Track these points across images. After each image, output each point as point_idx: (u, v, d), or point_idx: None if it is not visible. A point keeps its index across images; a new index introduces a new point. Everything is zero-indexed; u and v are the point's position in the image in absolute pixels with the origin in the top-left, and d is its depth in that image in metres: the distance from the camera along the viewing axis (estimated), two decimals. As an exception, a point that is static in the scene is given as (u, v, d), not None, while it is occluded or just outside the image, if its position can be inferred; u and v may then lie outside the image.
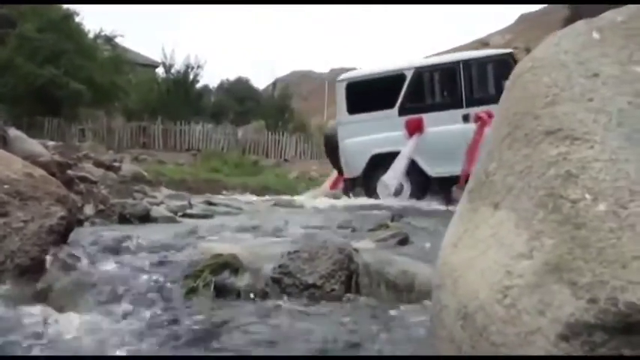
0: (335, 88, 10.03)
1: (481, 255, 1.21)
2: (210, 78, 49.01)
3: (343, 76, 10.33)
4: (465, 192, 1.46)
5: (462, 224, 1.36)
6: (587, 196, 1.11)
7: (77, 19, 23.81)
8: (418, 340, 2.04)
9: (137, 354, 2.04)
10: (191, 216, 5.39)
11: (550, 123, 1.26)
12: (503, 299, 1.11)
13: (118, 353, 2.03)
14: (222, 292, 2.69)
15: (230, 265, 2.82)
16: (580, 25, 1.50)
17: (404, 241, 3.72)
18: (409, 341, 2.08)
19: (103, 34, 25.51)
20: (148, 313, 2.42)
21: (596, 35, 1.41)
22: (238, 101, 34.06)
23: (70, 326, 2.25)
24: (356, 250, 2.99)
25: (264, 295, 2.70)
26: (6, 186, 2.78)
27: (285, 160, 23.46)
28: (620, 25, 1.42)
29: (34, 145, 4.56)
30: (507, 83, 1.48)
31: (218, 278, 2.74)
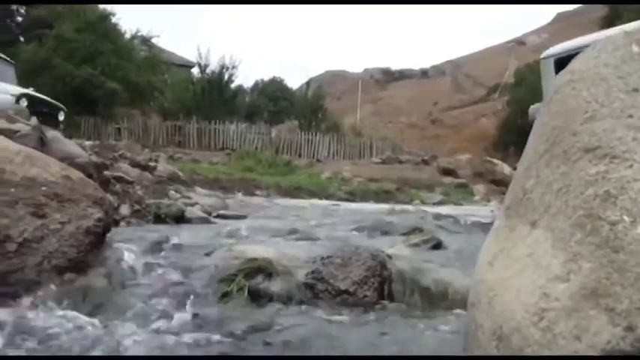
0: (540, 66, 7.99)
1: (517, 275, 1.20)
2: (244, 78, 49.23)
3: (550, 50, 8.12)
4: (502, 209, 1.44)
5: (499, 242, 1.34)
6: (626, 218, 1.09)
7: (114, 20, 24.14)
8: (450, 350, 2.02)
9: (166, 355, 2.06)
10: (225, 217, 5.42)
11: (589, 140, 1.24)
12: (539, 322, 1.09)
13: (147, 354, 2.05)
14: (255, 296, 2.71)
15: (264, 269, 2.83)
16: (618, 37, 1.46)
17: (437, 246, 3.69)
18: (441, 352, 2.06)
19: (139, 34, 25.82)
20: (181, 316, 2.45)
21: (636, 48, 1.38)
22: (272, 101, 34.17)
23: (104, 327, 2.28)
24: (389, 256, 2.98)
25: (297, 301, 2.70)
26: (44, 188, 2.83)
27: (318, 160, 23.44)
28: (662, 37, 1.39)
29: (72, 146, 4.63)
30: (547, 97, 1.46)
31: (252, 283, 2.75)
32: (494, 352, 1.16)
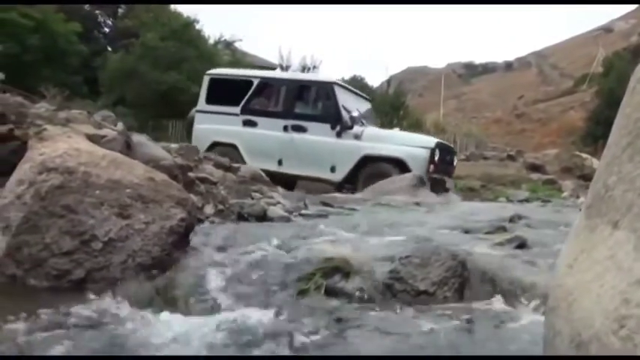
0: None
1: (597, 279, 1.12)
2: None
3: None
4: (582, 207, 1.37)
5: (579, 243, 1.26)
6: None
7: (197, 27, 24.86)
8: (528, 352, 1.95)
9: (239, 355, 2.08)
10: (306, 216, 5.46)
11: (676, 132, 1.15)
12: (619, 330, 1.02)
13: (219, 354, 2.08)
14: (332, 295, 2.71)
15: (341, 268, 2.82)
16: None
17: (522, 246, 3.56)
18: (519, 353, 1.99)
19: (222, 39, 26.48)
20: (259, 312, 2.48)
21: None
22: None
23: (184, 323, 2.33)
24: (471, 256, 2.90)
25: (374, 301, 2.68)
26: (128, 190, 2.93)
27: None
28: None
29: (157, 149, 4.78)
30: (629, 86, 1.37)
31: (329, 282, 2.75)
32: (573, 361, 1.10)
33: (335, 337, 2.24)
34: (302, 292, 2.71)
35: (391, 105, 29.18)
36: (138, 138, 4.59)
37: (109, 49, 26.13)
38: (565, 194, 13.62)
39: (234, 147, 10.80)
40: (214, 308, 2.56)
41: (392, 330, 2.30)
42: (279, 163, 10.66)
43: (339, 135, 10.41)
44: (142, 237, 2.86)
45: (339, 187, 10.38)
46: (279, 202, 6.03)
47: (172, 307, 2.54)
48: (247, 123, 11.08)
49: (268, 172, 9.69)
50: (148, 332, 2.26)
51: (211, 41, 25.84)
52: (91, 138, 3.51)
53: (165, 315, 2.43)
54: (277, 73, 11.68)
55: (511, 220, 5.07)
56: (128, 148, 4.02)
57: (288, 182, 10.21)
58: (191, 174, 5.20)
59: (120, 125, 4.40)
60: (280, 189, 7.95)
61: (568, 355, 1.13)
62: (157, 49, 22.17)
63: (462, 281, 2.72)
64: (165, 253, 2.91)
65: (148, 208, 2.98)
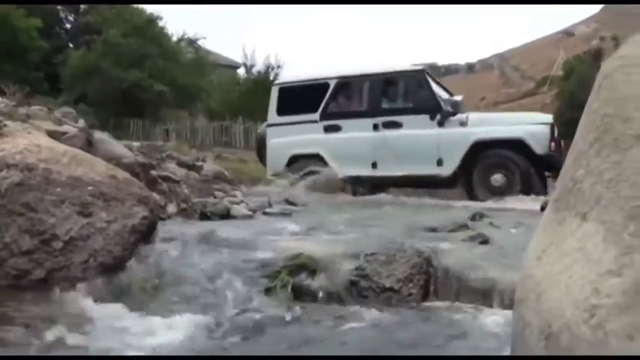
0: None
1: (566, 270, 1.14)
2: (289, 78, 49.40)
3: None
4: (550, 201, 1.38)
5: (547, 236, 1.28)
6: (684, 207, 1.02)
7: (160, 24, 24.61)
8: (496, 349, 1.97)
9: (206, 353, 2.06)
10: (270, 214, 5.43)
11: (642, 126, 1.17)
12: (589, 319, 1.03)
13: (185, 352, 2.06)
14: (299, 293, 2.71)
15: (307, 266, 2.82)
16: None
17: (484, 243, 3.61)
18: (487, 351, 2.01)
19: (186, 37, 26.27)
20: (223, 311, 2.46)
21: (693, 30, 1.31)
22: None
23: (146, 324, 2.30)
24: (436, 253, 2.92)
25: (340, 298, 2.69)
26: (90, 187, 2.87)
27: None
28: None
29: (118, 147, 4.70)
30: (595, 83, 1.39)
31: (295, 279, 2.75)
32: (543, 352, 1.11)
33: (301, 334, 2.24)
34: (268, 290, 2.70)
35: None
36: (99, 135, 4.51)
37: (71, 45, 25.68)
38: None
39: (318, 157, 9.71)
40: (177, 308, 2.52)
41: (357, 327, 2.30)
42: (374, 166, 9.52)
43: (441, 124, 9.23)
44: (104, 236, 2.80)
45: (449, 183, 9.36)
46: (242, 201, 5.99)
47: (135, 307, 2.50)
48: (330, 128, 9.95)
49: (362, 178, 9.28)
50: (110, 332, 2.22)
51: (174, 39, 25.61)
52: (52, 134, 3.43)
53: (127, 315, 2.39)
54: (356, 70, 10.36)
55: (473, 218, 5.11)
56: (89, 146, 3.94)
57: (382, 186, 9.57)
58: (153, 172, 5.13)
59: (81, 122, 4.30)
60: (244, 187, 7.89)
61: (537, 356, 1.13)
62: (120, 45, 21.88)
63: (427, 278, 2.74)
64: (127, 253, 2.85)
65: (110, 206, 2.92)
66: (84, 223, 2.74)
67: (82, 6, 26.49)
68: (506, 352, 1.62)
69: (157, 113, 24.01)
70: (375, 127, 9.60)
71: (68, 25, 27.66)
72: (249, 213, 5.15)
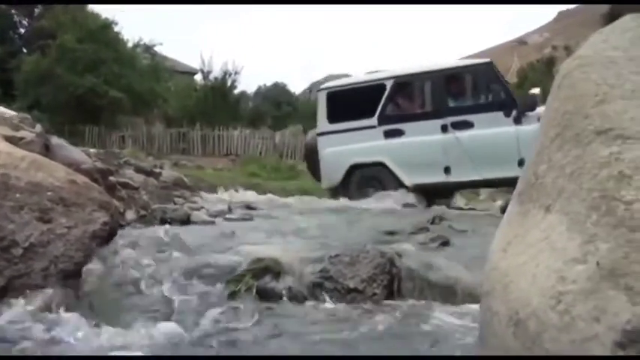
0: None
1: (532, 260, 1.18)
2: (247, 84, 49.25)
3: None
4: (514, 195, 1.43)
5: (512, 228, 1.32)
6: (642, 197, 1.07)
7: (116, 29, 24.24)
8: (462, 345, 2.01)
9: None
10: (231, 220, 5.41)
11: (600, 122, 1.22)
12: (556, 305, 1.07)
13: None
14: (263, 295, 2.70)
15: (271, 269, 2.82)
16: (627, 20, 1.45)
17: (444, 244, 3.67)
18: (452, 348, 2.04)
19: (142, 42, 25.92)
20: (186, 317, 2.44)
21: (646, 31, 1.37)
22: (275, 106, 34.20)
23: (107, 329, 2.27)
24: (398, 254, 2.96)
25: (305, 300, 2.70)
26: (49, 193, 2.83)
27: (323, 163, 23.44)
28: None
29: (76, 153, 4.62)
30: (554, 83, 1.45)
31: (260, 282, 2.75)
32: (511, 339, 1.15)
33: (265, 336, 2.24)
34: (232, 294, 2.69)
35: (314, 112, 29.34)
36: (56, 140, 4.43)
37: (25, 50, 25.10)
38: (482, 197, 14.07)
39: (382, 165, 8.84)
40: (139, 314, 2.50)
41: (323, 327, 2.32)
42: (447, 171, 8.61)
43: (517, 121, 8.38)
44: (64, 242, 2.76)
45: None
46: (202, 207, 5.95)
47: (92, 313, 2.47)
48: (391, 133, 8.95)
49: (433, 185, 8.58)
50: (66, 338, 2.19)
51: (130, 44, 25.25)
52: (9, 140, 3.36)
53: (83, 321, 2.36)
54: (415, 68, 8.99)
55: (433, 221, 5.18)
56: (47, 151, 3.86)
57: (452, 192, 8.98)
58: (112, 178, 5.06)
59: (38, 127, 4.22)
60: (204, 193, 7.83)
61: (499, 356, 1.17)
62: (74, 51, 21.46)
63: (391, 278, 2.77)
64: (87, 258, 2.81)
65: (70, 211, 2.88)
66: (44, 229, 2.70)
67: (37, 10, 25.92)
68: (470, 343, 1.66)
69: (112, 120, 23.61)
70: (444, 128, 8.71)
71: (22, 30, 27.04)
72: (210, 219, 5.12)
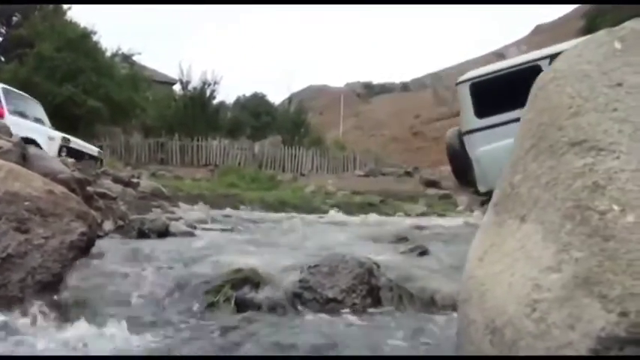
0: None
1: (508, 269, 1.20)
2: (226, 94, 49.09)
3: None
4: (490, 205, 1.45)
5: (488, 238, 1.34)
6: (615, 207, 1.10)
7: (95, 38, 24.08)
8: (438, 351, 2.02)
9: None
10: (210, 230, 5.39)
11: (575, 134, 1.25)
12: (532, 313, 1.09)
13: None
14: (242, 306, 2.69)
15: (250, 279, 2.82)
16: (601, 35, 1.48)
17: (423, 254, 3.70)
18: (430, 353, 2.06)
19: (120, 52, 25.79)
20: (167, 329, 2.42)
21: (618, 45, 1.40)
22: (254, 116, 34.18)
23: (88, 341, 2.25)
24: (377, 264, 2.97)
25: (284, 310, 2.69)
26: (27, 203, 2.80)
27: (302, 174, 23.47)
28: (643, 33, 1.41)
29: (54, 162, 4.59)
30: (530, 94, 1.47)
31: (239, 293, 2.74)
32: (488, 347, 1.16)
33: (245, 347, 2.23)
34: (211, 305, 2.68)
35: (293, 122, 29.40)
36: (34, 150, 4.39)
37: (2, 59, 24.83)
38: (460, 208, 14.17)
39: None
40: (116, 325, 2.47)
41: (303, 337, 2.31)
42: None
43: None
44: (42, 252, 2.72)
45: None
46: (181, 217, 5.93)
47: (70, 326, 2.44)
48: None
49: None
50: (45, 351, 2.17)
51: (109, 54, 25.07)
52: (-15, 149, 3.33)
53: (62, 333, 2.33)
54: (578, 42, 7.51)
55: (412, 231, 5.22)
56: (24, 161, 3.83)
57: None
58: (90, 188, 5.02)
59: (16, 136, 4.18)
60: (182, 204, 7.81)
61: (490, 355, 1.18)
62: (53, 60, 21.28)
63: (370, 288, 2.78)
64: (65, 269, 2.78)
65: (48, 222, 2.85)
66: (21, 239, 2.67)
67: (15, 18, 25.67)
68: (448, 351, 1.68)
69: (90, 129, 23.38)
70: None
71: (0, 39, 26.76)
72: (189, 229, 5.10)
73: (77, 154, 10.92)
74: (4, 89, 11.92)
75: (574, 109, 1.29)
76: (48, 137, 11.29)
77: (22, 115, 11.87)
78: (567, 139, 1.25)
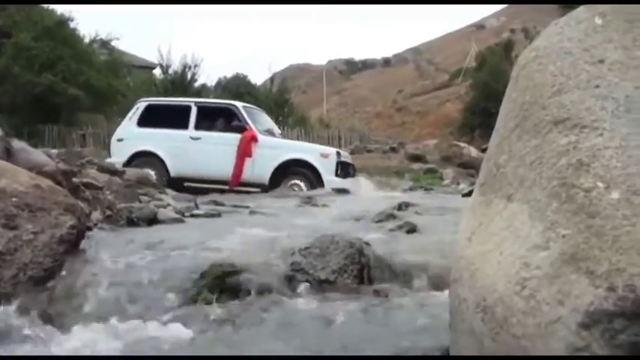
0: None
1: (496, 248, 1.22)
2: (207, 76, 48.68)
3: None
4: (476, 185, 1.47)
5: (476, 218, 1.36)
6: (600, 184, 1.12)
7: (72, 25, 23.77)
8: (431, 329, 2.05)
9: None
10: (198, 216, 5.38)
11: (558, 112, 1.27)
12: (521, 291, 1.12)
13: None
14: (234, 292, 2.69)
15: (241, 265, 2.83)
16: (581, 11, 1.49)
17: (412, 231, 3.73)
18: (423, 331, 2.08)
19: (98, 38, 25.46)
20: (157, 318, 2.43)
21: (598, 21, 1.41)
22: (236, 97, 33.91)
23: (78, 334, 2.26)
24: (367, 243, 3.00)
25: (277, 294, 2.70)
26: (14, 199, 2.78)
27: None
28: (622, 8, 1.42)
29: (38, 155, 4.55)
30: (512, 74, 1.49)
31: (230, 279, 2.74)
32: (480, 325, 1.19)
33: (237, 334, 2.25)
34: (200, 293, 2.68)
35: (275, 102, 29.29)
36: (18, 144, 4.35)
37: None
38: (446, 182, 14.26)
39: None
40: (108, 318, 2.48)
41: (297, 318, 2.34)
42: None
43: None
44: (32, 248, 2.71)
45: None
46: (169, 204, 5.91)
47: (63, 319, 2.45)
48: None
49: None
50: (39, 346, 2.18)
51: (87, 40, 24.77)
52: (-32, 145, 3.30)
53: (54, 327, 2.34)
54: None
55: (399, 208, 5.24)
56: (8, 155, 3.80)
57: None
58: (75, 179, 4.99)
59: (-1, 131, 4.14)
60: (170, 190, 7.79)
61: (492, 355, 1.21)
62: (31, 49, 20.98)
63: (361, 267, 2.81)
64: (57, 264, 2.78)
65: (36, 217, 2.83)
66: (10, 236, 2.66)
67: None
68: (438, 327, 1.71)
69: (72, 118, 23.17)
70: None
71: (-24, 30, 26.35)
72: (177, 216, 5.09)
73: (345, 167, 9.78)
74: (245, 108, 10.33)
75: (556, 87, 1.31)
76: (320, 155, 9.60)
77: (270, 132, 10.28)
78: (551, 117, 1.27)
